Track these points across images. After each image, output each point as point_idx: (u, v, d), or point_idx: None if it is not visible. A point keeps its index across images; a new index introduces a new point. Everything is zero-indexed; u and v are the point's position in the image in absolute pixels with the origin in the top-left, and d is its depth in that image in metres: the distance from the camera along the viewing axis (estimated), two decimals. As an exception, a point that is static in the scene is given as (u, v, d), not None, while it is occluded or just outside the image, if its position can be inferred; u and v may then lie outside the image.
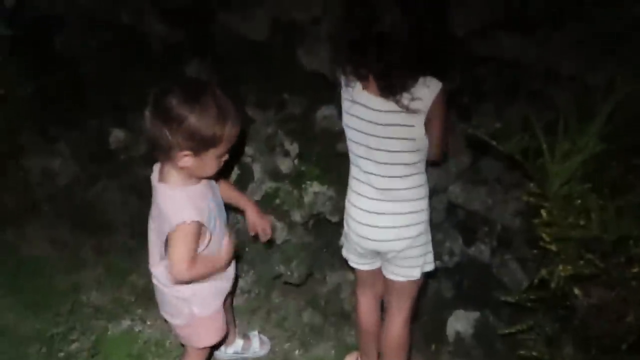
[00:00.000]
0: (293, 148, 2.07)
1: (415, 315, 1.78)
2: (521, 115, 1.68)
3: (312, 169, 2.04)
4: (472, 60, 1.88)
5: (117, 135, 2.34)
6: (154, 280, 1.62)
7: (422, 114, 1.41)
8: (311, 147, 2.06)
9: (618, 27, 1.73)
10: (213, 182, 1.58)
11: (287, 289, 2.15)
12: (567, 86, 1.78)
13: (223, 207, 1.62)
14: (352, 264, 1.72)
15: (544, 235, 1.45)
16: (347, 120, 1.52)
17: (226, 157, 1.48)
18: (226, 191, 1.66)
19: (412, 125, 1.43)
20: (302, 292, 2.14)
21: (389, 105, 1.41)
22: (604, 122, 1.38)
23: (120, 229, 2.31)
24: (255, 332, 2.02)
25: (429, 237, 1.62)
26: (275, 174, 2.06)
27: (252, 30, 2.15)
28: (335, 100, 1.85)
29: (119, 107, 2.33)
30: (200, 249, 1.52)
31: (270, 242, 1.95)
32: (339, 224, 1.85)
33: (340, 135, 1.86)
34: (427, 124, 1.43)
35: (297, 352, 2.02)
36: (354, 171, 1.58)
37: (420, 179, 1.55)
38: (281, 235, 2.06)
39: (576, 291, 1.45)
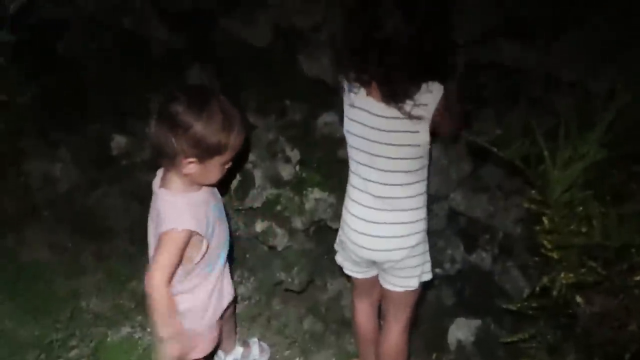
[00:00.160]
0: (294, 154, 2.06)
1: (414, 323, 1.77)
2: (522, 121, 1.67)
3: (314, 176, 2.03)
4: (472, 67, 1.88)
5: (119, 140, 2.34)
6: None
7: (426, 120, 1.41)
8: (312, 153, 2.06)
9: (619, 34, 1.73)
10: (215, 188, 1.58)
11: (287, 296, 2.14)
12: (567, 93, 1.78)
13: (224, 213, 1.62)
14: (347, 272, 1.71)
15: (545, 243, 1.44)
16: (349, 126, 1.51)
17: (230, 164, 1.48)
18: None
19: (417, 132, 1.42)
20: (303, 299, 2.13)
21: (393, 111, 1.41)
22: (605, 130, 1.38)
23: (120, 235, 2.31)
24: (255, 339, 2.01)
25: (427, 247, 1.61)
26: (276, 181, 2.06)
27: (254, 36, 2.15)
28: (336, 106, 1.85)
29: (120, 112, 2.33)
30: (197, 258, 1.51)
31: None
32: (340, 231, 1.84)
33: (341, 142, 1.85)
34: (436, 123, 1.43)
35: (297, 359, 2.01)
36: (352, 178, 1.57)
37: (421, 187, 1.54)
38: (282, 242, 2.05)
39: (578, 299, 1.44)
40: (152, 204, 1.53)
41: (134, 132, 2.34)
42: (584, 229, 1.37)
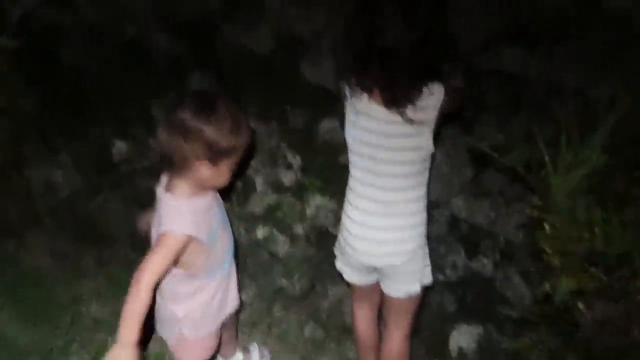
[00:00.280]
0: (296, 160, 2.06)
1: (415, 329, 1.77)
2: (523, 128, 1.68)
3: (315, 182, 2.03)
4: (474, 74, 1.89)
5: (120, 147, 2.34)
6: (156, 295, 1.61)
7: (429, 123, 1.42)
8: (314, 159, 2.06)
9: (620, 42, 1.74)
10: (217, 194, 1.58)
11: (288, 302, 2.14)
12: (569, 99, 1.78)
13: (227, 219, 1.62)
14: (346, 277, 1.70)
15: (546, 249, 1.44)
16: (351, 131, 1.51)
17: (236, 165, 1.50)
18: None
19: (420, 135, 1.43)
20: (304, 305, 2.13)
21: (396, 115, 1.41)
22: (607, 135, 1.38)
23: (121, 241, 2.31)
24: (255, 345, 2.01)
25: (427, 250, 1.61)
26: (277, 186, 2.06)
27: (256, 43, 2.16)
28: (337, 112, 1.86)
29: (122, 118, 2.34)
30: (197, 264, 1.51)
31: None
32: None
33: (342, 148, 1.85)
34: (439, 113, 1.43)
35: (298, 366, 2.01)
36: (353, 184, 1.57)
37: (421, 191, 1.54)
38: (283, 248, 2.05)
39: (580, 305, 1.44)
40: (156, 210, 1.53)
41: (135, 138, 2.34)
42: (585, 235, 1.36)
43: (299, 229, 2.02)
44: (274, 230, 2.04)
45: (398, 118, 1.40)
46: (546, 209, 1.44)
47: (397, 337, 1.66)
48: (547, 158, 1.42)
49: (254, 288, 2.16)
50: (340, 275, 1.74)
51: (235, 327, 1.91)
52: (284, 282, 2.05)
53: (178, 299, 1.55)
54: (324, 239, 2.06)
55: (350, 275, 1.68)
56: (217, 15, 2.21)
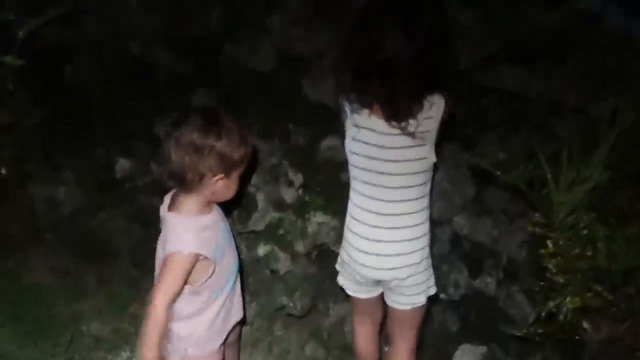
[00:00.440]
0: (297, 178, 2.06)
1: (419, 346, 1.74)
2: (524, 145, 1.68)
3: (316, 199, 2.03)
4: (475, 91, 1.90)
5: (123, 164, 2.35)
6: None
7: (432, 133, 1.42)
8: (315, 177, 2.06)
9: (619, 60, 1.75)
10: (222, 213, 1.60)
11: (289, 321, 2.11)
12: (570, 117, 1.78)
13: (232, 238, 1.63)
14: (349, 292, 1.68)
15: (550, 266, 1.43)
16: (352, 146, 1.51)
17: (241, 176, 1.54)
18: None
19: (423, 145, 1.43)
20: (305, 324, 2.10)
21: (398, 129, 1.41)
22: (609, 151, 1.37)
23: (122, 258, 2.30)
24: (256, 364, 1.98)
25: (430, 261, 1.60)
26: (279, 204, 2.05)
27: (258, 62, 2.18)
28: (339, 130, 1.86)
29: (125, 136, 2.35)
30: (202, 281, 1.51)
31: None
32: (343, 255, 1.82)
33: (344, 165, 1.86)
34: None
35: (299, 386, 1.98)
36: (355, 198, 1.56)
37: (425, 201, 1.53)
38: (284, 266, 2.04)
39: (585, 324, 1.42)
40: (162, 230, 1.53)
41: (138, 155, 2.35)
42: (589, 252, 1.35)
43: (300, 247, 2.01)
44: (275, 247, 2.03)
45: (399, 131, 1.41)
46: (549, 226, 1.44)
47: (403, 351, 1.65)
48: (549, 175, 1.41)
49: (255, 306, 2.14)
50: (341, 293, 1.73)
51: (237, 345, 1.88)
52: (284, 300, 2.03)
53: (182, 318, 1.54)
54: (326, 256, 2.05)
55: (354, 290, 1.67)
56: (220, 35, 2.24)
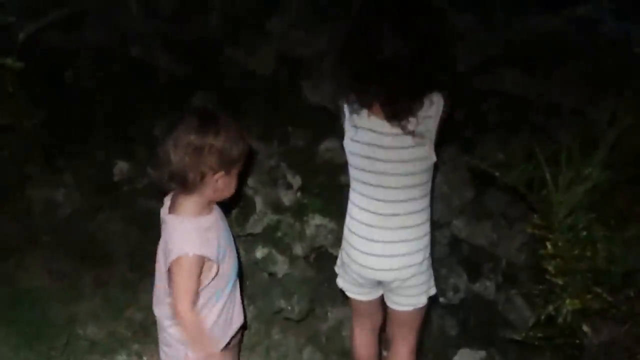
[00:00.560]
0: (296, 180, 2.06)
1: (418, 350, 1.72)
2: (524, 147, 1.67)
3: (315, 202, 2.02)
4: (474, 94, 1.90)
5: (121, 166, 2.34)
6: (157, 317, 1.60)
7: (431, 132, 1.42)
8: (314, 179, 2.05)
9: (618, 63, 1.75)
10: (222, 214, 1.60)
11: (287, 325, 2.10)
12: (569, 120, 1.78)
13: (232, 240, 1.63)
14: (349, 294, 1.67)
15: (549, 268, 1.42)
16: (352, 147, 1.51)
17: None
18: None
19: (423, 145, 1.43)
20: (303, 328, 2.09)
21: (398, 128, 1.42)
22: (607, 152, 1.37)
23: (120, 261, 2.29)
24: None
25: (431, 260, 1.59)
26: (277, 206, 2.05)
27: (258, 65, 2.19)
28: (338, 132, 1.86)
29: (124, 138, 2.35)
30: (205, 283, 1.50)
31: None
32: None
33: (343, 168, 1.85)
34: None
35: (296, 390, 1.96)
36: (355, 199, 1.56)
37: (425, 202, 1.53)
38: (282, 269, 2.03)
39: (585, 328, 1.41)
40: (162, 233, 1.53)
41: (137, 158, 2.35)
42: (588, 254, 1.34)
43: (298, 250, 2.00)
44: (273, 250, 2.02)
45: (399, 130, 1.41)
46: (548, 228, 1.43)
47: (403, 353, 1.64)
48: (548, 176, 1.41)
49: (252, 310, 2.13)
50: (340, 297, 1.71)
51: (238, 349, 1.87)
52: (282, 303, 2.02)
53: None
54: (324, 259, 2.04)
55: (353, 292, 1.65)
56: (219, 37, 2.25)
